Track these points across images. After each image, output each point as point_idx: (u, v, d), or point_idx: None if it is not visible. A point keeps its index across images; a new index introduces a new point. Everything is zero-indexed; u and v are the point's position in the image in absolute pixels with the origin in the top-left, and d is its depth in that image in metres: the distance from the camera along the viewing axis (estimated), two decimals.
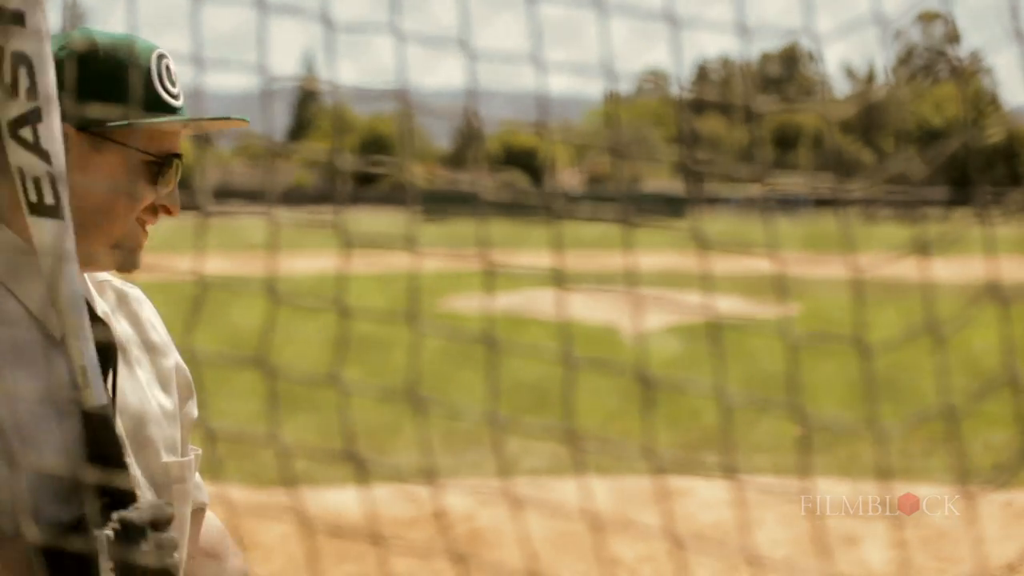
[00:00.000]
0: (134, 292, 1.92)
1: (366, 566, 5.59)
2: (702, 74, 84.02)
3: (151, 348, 1.88)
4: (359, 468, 1.83)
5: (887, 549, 5.91)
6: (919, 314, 14.20)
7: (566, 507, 6.37)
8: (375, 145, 64.43)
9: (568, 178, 65.19)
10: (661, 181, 64.36)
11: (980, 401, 8.10)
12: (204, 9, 1.54)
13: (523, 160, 62.12)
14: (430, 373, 9.76)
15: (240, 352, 10.43)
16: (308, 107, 72.06)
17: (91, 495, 1.61)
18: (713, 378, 10.17)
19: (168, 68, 1.80)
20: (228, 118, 1.81)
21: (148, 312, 1.91)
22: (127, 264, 1.78)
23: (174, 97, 1.80)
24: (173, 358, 1.91)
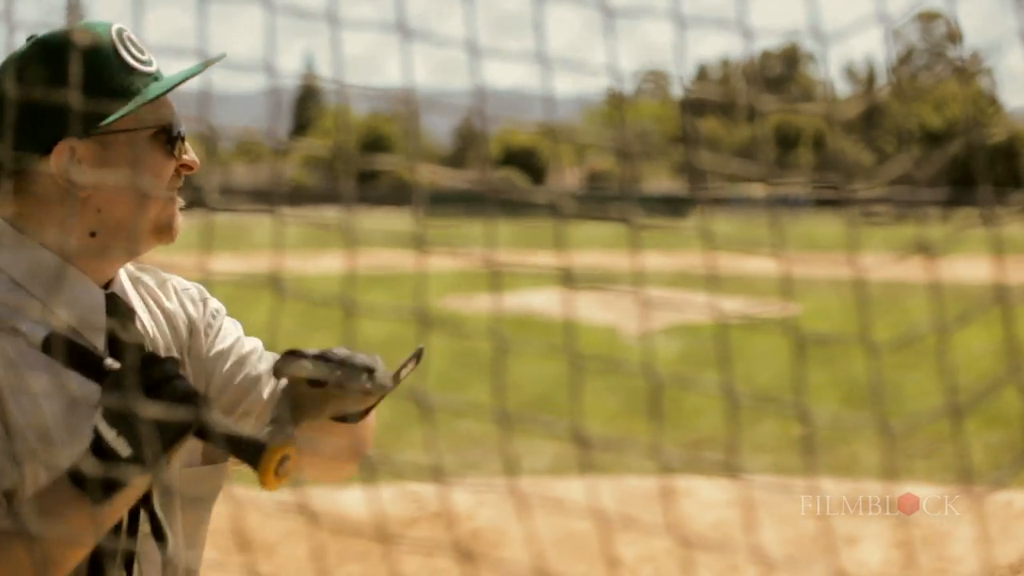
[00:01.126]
0: (153, 277, 1.91)
1: (370, 565, 5.60)
2: (702, 74, 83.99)
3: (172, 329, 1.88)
4: (366, 468, 1.83)
5: (887, 549, 5.92)
6: (922, 314, 14.20)
7: (569, 507, 6.37)
8: (375, 144, 64.43)
9: (569, 178, 65.20)
10: (662, 181, 64.38)
11: (983, 401, 8.10)
12: (208, 7, 1.55)
13: (522, 160, 62.13)
14: (433, 373, 9.76)
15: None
16: (308, 107, 72.03)
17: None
18: (717, 377, 10.17)
19: (131, 39, 1.76)
20: (206, 63, 1.76)
21: (172, 291, 1.91)
22: (168, 236, 1.78)
23: (147, 64, 1.77)
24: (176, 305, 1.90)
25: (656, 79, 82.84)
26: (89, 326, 1.73)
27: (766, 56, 79.81)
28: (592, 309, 15.67)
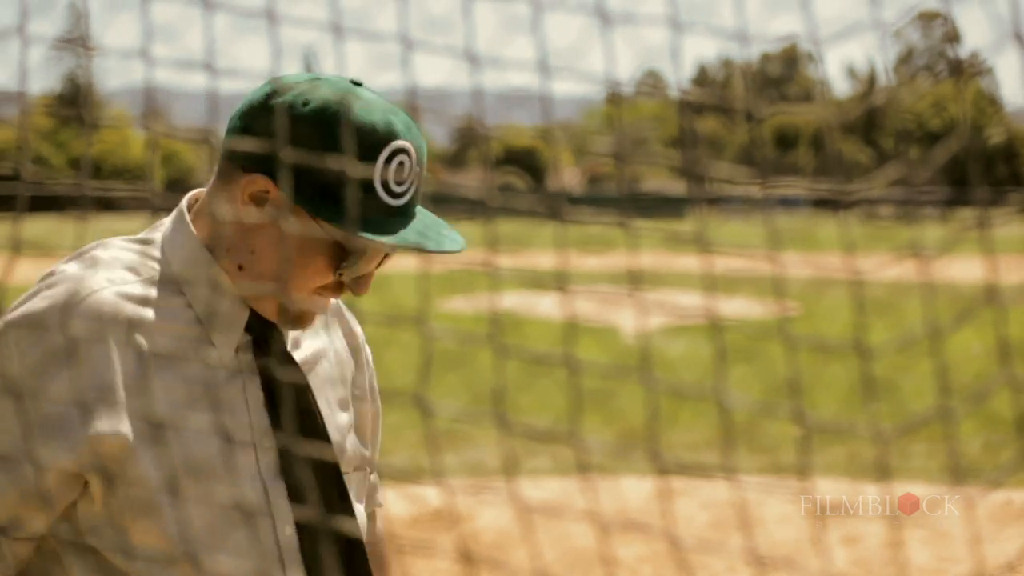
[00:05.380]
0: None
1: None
2: (702, 74, 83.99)
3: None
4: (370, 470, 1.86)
5: (887, 549, 5.93)
6: (918, 316, 14.22)
7: (568, 512, 6.39)
8: None
9: (569, 178, 65.22)
10: (661, 181, 64.40)
11: (978, 403, 8.12)
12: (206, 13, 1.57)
13: (523, 160, 62.15)
14: (434, 375, 9.79)
15: None
16: None
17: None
18: (714, 380, 10.19)
19: (402, 165, 1.60)
20: (450, 251, 1.65)
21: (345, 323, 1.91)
22: (289, 325, 1.67)
23: (396, 196, 1.61)
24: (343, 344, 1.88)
25: (655, 81, 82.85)
26: (220, 327, 1.63)
27: (766, 57, 79.84)
28: (592, 309, 15.69)
